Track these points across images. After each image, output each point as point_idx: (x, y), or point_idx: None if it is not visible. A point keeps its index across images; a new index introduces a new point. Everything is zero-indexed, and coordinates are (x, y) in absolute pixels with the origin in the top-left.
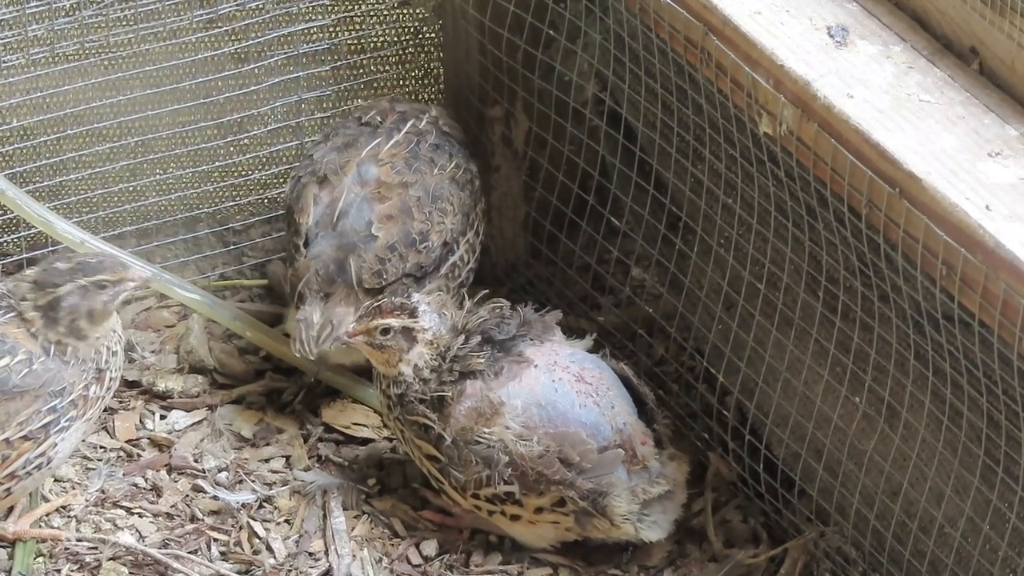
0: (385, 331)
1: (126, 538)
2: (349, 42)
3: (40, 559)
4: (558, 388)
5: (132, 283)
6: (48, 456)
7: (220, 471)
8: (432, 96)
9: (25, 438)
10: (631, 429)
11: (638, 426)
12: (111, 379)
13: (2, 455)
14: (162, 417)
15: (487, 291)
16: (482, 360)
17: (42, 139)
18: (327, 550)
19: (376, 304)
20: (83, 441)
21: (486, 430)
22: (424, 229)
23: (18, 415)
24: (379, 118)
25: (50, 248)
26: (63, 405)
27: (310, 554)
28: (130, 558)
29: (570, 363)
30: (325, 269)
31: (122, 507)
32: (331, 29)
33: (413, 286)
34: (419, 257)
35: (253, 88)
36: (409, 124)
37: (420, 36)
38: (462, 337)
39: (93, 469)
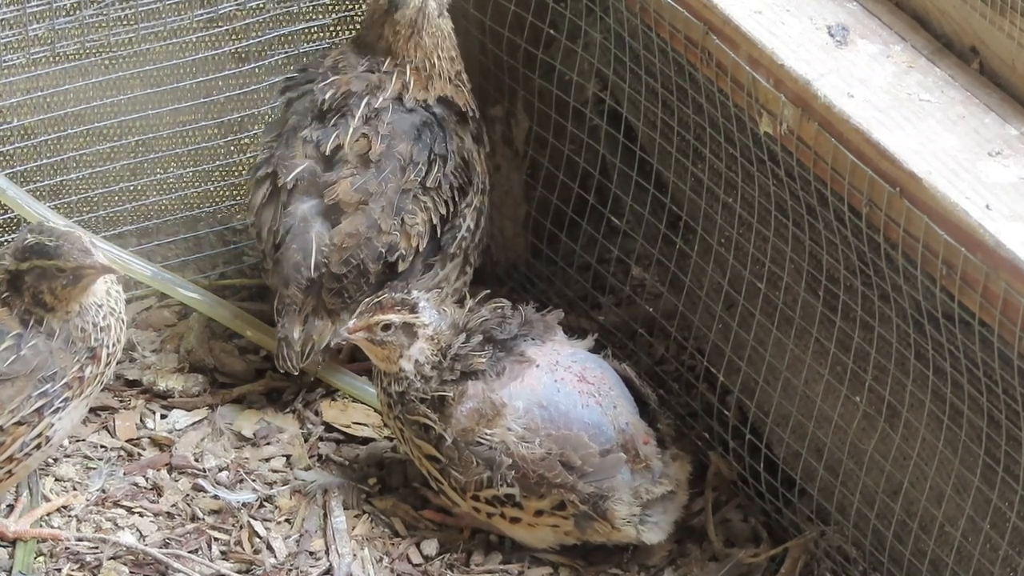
0: (386, 327)
1: (127, 537)
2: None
3: (41, 558)
4: (560, 388)
5: (92, 271)
6: (46, 436)
7: (221, 470)
8: None
9: (19, 423)
10: (633, 429)
11: (640, 426)
12: (108, 354)
13: None
14: (163, 416)
15: (488, 291)
16: (484, 360)
17: (43, 138)
18: (328, 549)
19: (376, 300)
20: (84, 440)
21: (488, 431)
22: (393, 241)
23: (10, 402)
24: (329, 95)
25: None
26: (55, 389)
27: (311, 553)
28: (131, 557)
29: (572, 363)
30: (295, 284)
31: (123, 506)
32: (331, 28)
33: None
34: (388, 265)
35: (254, 87)
36: (360, 111)
37: None
38: (463, 336)
39: (94, 468)
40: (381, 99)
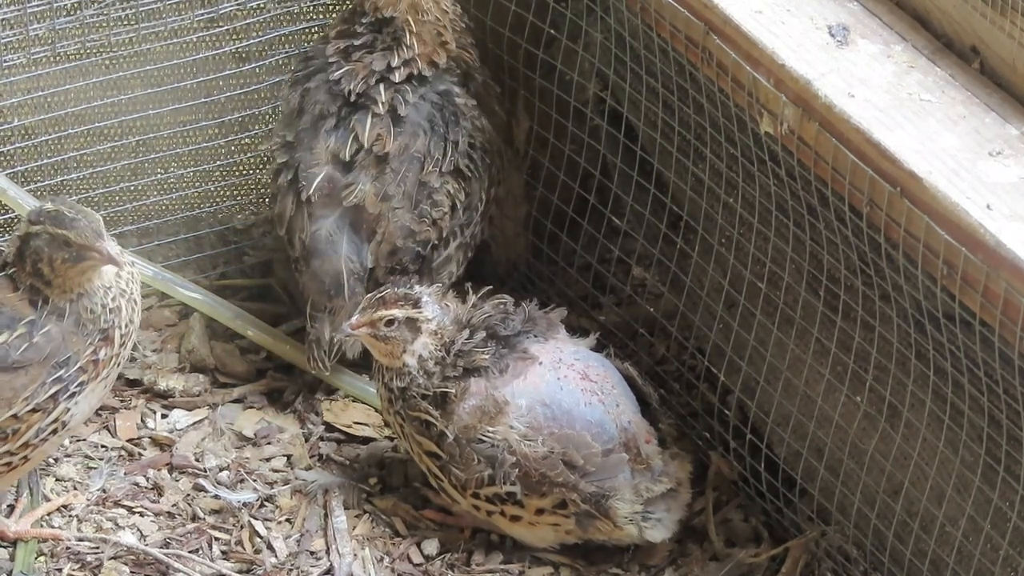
0: (389, 322)
1: (127, 537)
2: None
3: (41, 559)
4: (563, 386)
5: (97, 256)
6: (63, 421)
7: (221, 470)
8: None
9: (34, 410)
10: (635, 427)
11: (642, 424)
12: (122, 335)
13: (12, 429)
14: (163, 416)
15: (490, 287)
16: (487, 356)
17: (43, 138)
18: (328, 549)
19: (379, 295)
20: (84, 440)
21: (490, 429)
22: (427, 237)
23: (24, 390)
24: (345, 86)
25: None
26: (70, 374)
27: (311, 553)
28: (131, 557)
29: (575, 360)
30: (323, 288)
31: (123, 506)
32: None
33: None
34: (424, 253)
35: (254, 87)
36: (381, 100)
37: None
38: (466, 331)
39: (94, 468)
40: (398, 78)
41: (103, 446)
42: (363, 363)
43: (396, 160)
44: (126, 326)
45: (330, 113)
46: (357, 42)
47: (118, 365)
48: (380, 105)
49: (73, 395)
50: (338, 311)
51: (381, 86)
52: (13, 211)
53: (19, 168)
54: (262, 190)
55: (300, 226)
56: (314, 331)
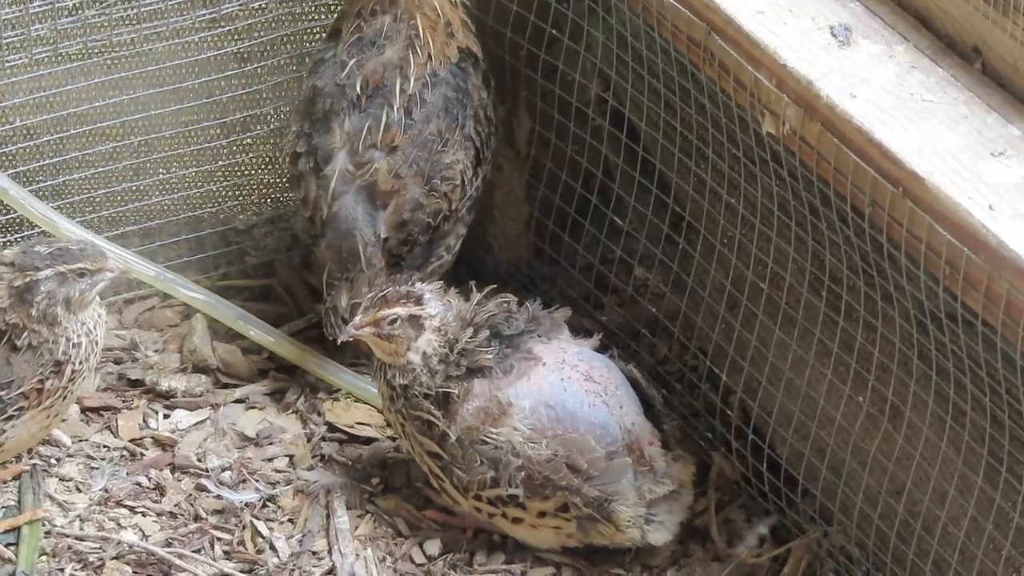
0: (393, 320)
1: (129, 537)
2: None
3: (44, 558)
4: (567, 387)
5: (111, 273)
6: None
7: (223, 470)
8: None
9: None
10: (639, 429)
11: (646, 426)
12: (73, 371)
13: None
14: (165, 416)
15: (494, 285)
16: (490, 356)
17: (45, 138)
18: (330, 549)
19: (381, 294)
20: (86, 440)
21: (493, 430)
22: (438, 208)
23: None
24: (360, 87)
25: None
26: (10, 396)
27: (313, 553)
28: (133, 557)
29: (579, 361)
30: (340, 258)
31: (125, 506)
32: None
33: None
34: (434, 223)
35: (256, 87)
36: (399, 98)
37: None
38: (470, 330)
39: (96, 468)
40: (413, 79)
41: (105, 446)
42: (367, 359)
43: (408, 146)
44: (80, 363)
45: (344, 105)
46: (369, 39)
47: (64, 399)
48: (396, 110)
49: (10, 418)
50: (356, 279)
51: (397, 85)
52: (15, 211)
53: (21, 168)
54: (264, 190)
55: (320, 204)
56: (330, 299)
